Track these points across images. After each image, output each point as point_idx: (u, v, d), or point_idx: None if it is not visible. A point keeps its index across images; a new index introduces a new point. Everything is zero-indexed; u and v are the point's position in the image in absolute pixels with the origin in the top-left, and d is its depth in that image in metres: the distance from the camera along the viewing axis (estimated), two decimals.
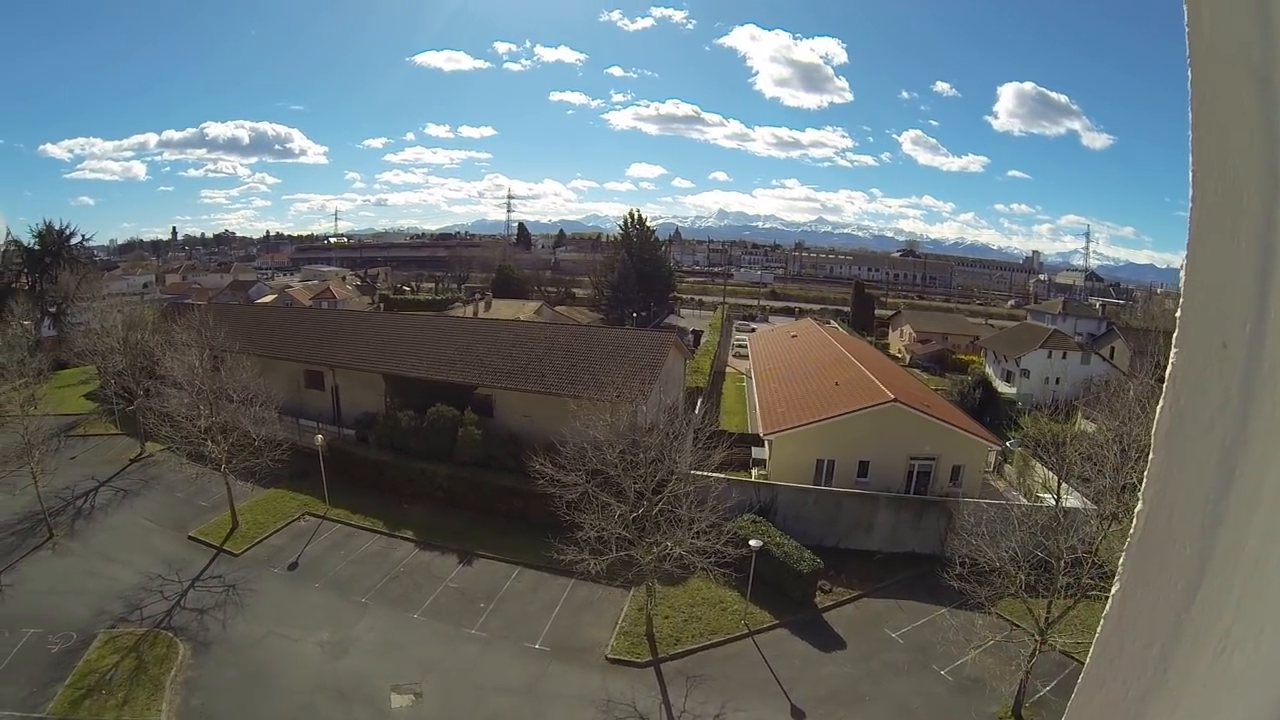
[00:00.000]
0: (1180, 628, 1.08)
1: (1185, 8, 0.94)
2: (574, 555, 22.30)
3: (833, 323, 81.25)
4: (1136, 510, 1.13)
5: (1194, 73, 0.96)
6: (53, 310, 62.41)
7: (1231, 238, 0.96)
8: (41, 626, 23.28)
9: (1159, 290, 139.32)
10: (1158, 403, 1.08)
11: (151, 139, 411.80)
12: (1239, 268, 0.96)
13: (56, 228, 69.08)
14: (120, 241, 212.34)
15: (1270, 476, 0.99)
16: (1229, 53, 0.92)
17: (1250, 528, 1.01)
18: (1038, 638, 20.05)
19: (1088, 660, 1.21)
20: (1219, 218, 0.97)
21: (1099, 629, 1.18)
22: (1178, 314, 1.04)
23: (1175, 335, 1.05)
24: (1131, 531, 1.14)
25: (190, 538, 29.56)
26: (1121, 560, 1.15)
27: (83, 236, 73.25)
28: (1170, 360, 1.07)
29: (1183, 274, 1.02)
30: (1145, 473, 1.11)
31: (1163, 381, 1.07)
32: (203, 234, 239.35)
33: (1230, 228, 0.96)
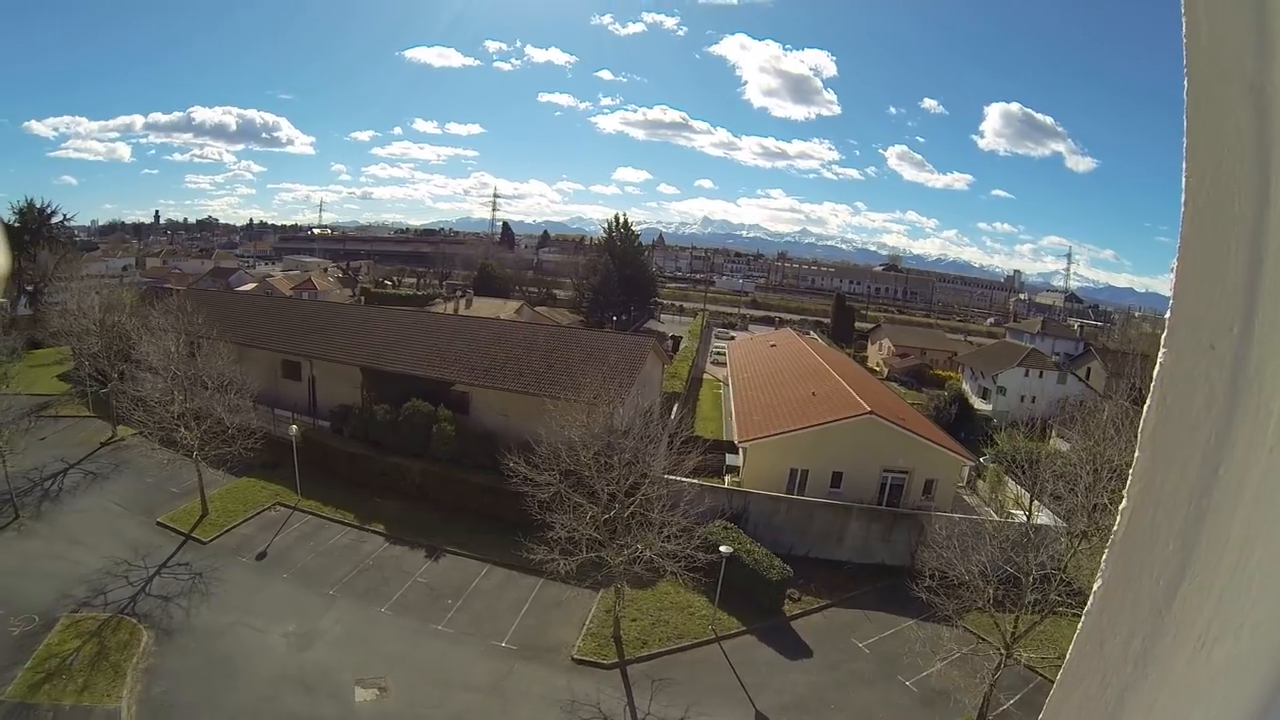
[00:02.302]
0: (1161, 624, 1.09)
1: (1184, 18, 0.96)
2: (544, 555, 22.25)
3: (812, 334, 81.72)
4: (1120, 508, 1.14)
5: (1190, 80, 0.98)
6: (30, 289, 61.48)
7: (1222, 242, 0.98)
8: (2, 608, 22.86)
9: (1137, 314, 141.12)
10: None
11: (138, 120, 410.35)
12: (1228, 271, 0.98)
13: (38, 206, 68.40)
14: (102, 223, 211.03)
15: (1252, 475, 1.01)
16: (1224, 61, 0.94)
17: (1233, 525, 1.03)
18: (1003, 651, 20.12)
19: (1068, 656, 1.22)
20: (1210, 223, 0.99)
21: (1079, 625, 1.20)
22: (1167, 315, 1.06)
23: (1164, 335, 1.06)
24: (1115, 529, 1.15)
25: (158, 523, 29.17)
26: (1104, 557, 1.16)
27: (64, 216, 72.87)
28: (1158, 360, 1.08)
29: (1173, 276, 1.04)
30: (1130, 470, 1.12)
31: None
32: (185, 219, 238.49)
33: (1221, 232, 0.98)
